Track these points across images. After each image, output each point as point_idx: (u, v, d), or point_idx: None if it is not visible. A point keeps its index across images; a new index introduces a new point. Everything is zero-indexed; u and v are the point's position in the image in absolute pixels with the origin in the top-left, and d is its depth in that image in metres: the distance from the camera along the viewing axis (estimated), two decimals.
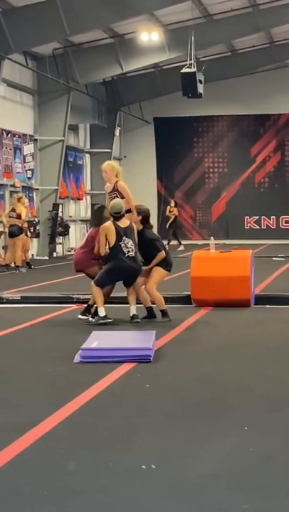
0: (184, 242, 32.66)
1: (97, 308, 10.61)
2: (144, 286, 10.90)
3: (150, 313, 10.87)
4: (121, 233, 10.52)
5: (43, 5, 21.10)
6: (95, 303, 10.72)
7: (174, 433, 5.43)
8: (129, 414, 5.92)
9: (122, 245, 10.50)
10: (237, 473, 4.60)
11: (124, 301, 11.04)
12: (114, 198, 10.88)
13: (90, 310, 10.83)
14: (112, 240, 10.50)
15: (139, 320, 10.56)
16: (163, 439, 5.30)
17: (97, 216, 11.26)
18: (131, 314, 10.62)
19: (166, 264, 11.00)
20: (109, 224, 10.56)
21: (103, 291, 10.56)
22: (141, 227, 10.98)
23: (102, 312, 10.45)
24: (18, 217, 19.81)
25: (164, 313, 10.78)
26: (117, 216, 10.56)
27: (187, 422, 5.70)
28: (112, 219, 10.61)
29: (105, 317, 10.41)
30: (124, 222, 10.58)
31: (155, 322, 10.57)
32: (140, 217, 11.01)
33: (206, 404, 6.22)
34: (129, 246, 10.53)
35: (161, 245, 11.08)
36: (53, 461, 4.84)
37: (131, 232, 10.62)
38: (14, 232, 19.82)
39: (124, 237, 10.51)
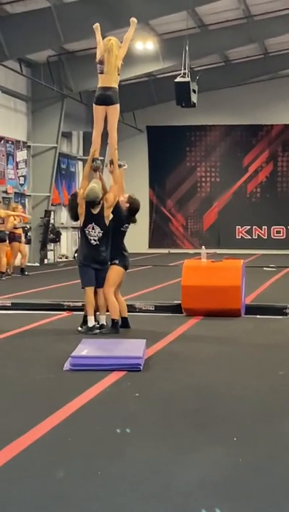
0: (175, 250, 32.74)
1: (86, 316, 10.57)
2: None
3: (114, 326, 10.43)
4: (90, 218, 10.42)
5: (38, 12, 21.17)
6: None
7: (163, 442, 5.43)
8: (118, 422, 5.92)
9: (88, 231, 10.41)
10: (225, 483, 4.61)
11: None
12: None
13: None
14: (82, 210, 10.41)
15: (103, 331, 10.23)
16: (151, 447, 5.31)
17: (73, 207, 10.88)
18: (99, 324, 10.42)
19: (124, 262, 10.59)
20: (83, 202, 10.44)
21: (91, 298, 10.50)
22: (126, 206, 10.64)
23: (90, 322, 10.41)
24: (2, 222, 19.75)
25: (113, 323, 10.30)
26: (91, 204, 10.39)
27: (176, 432, 5.70)
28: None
29: (93, 327, 10.35)
30: (96, 209, 10.42)
31: (106, 332, 10.19)
32: (128, 205, 10.68)
33: (195, 413, 6.22)
34: (94, 234, 10.39)
35: (125, 226, 10.66)
36: (42, 469, 4.83)
37: (101, 219, 10.42)
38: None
39: (92, 223, 10.40)
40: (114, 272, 10.47)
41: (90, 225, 10.43)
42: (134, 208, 10.75)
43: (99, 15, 20.78)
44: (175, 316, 12.03)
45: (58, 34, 21.28)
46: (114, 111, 10.67)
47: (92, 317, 10.41)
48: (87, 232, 10.44)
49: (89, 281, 10.48)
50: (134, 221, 10.80)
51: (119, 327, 10.37)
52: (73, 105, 27.85)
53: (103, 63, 10.63)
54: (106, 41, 10.75)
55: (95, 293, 10.52)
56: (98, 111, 10.72)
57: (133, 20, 11.15)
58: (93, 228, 10.42)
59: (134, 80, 29.25)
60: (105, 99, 10.62)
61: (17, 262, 21.16)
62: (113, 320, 10.36)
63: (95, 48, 11.02)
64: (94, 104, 10.79)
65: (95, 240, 10.42)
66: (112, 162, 10.71)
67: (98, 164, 10.68)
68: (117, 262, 10.52)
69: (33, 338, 10.15)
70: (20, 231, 20.81)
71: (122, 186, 10.85)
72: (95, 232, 10.42)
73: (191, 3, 21.56)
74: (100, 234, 10.41)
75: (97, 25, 11.02)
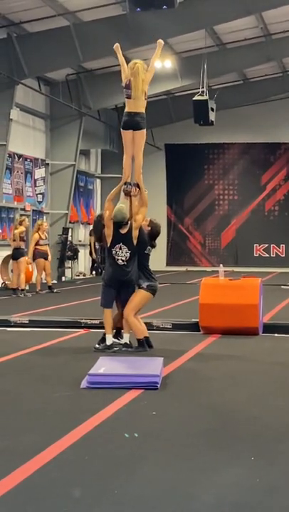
0: (192, 268, 32.70)
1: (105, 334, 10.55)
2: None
3: (141, 345, 10.40)
4: (118, 238, 10.39)
5: (57, 31, 21.31)
6: (118, 328, 10.59)
7: (180, 461, 5.40)
8: (135, 441, 5.90)
9: (115, 251, 10.37)
10: (242, 503, 4.57)
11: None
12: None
13: (120, 333, 10.64)
14: (110, 231, 10.37)
15: (129, 350, 10.21)
16: (168, 467, 5.28)
17: (98, 229, 10.91)
18: (123, 342, 10.41)
19: (152, 287, 10.55)
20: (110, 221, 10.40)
21: (112, 318, 10.50)
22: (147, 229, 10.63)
23: (109, 340, 10.40)
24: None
25: (139, 342, 10.33)
26: (119, 224, 10.40)
27: (193, 451, 5.67)
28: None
29: (111, 345, 10.34)
30: (124, 229, 10.42)
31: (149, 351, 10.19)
32: (149, 229, 10.68)
33: (212, 433, 6.19)
34: (121, 254, 10.36)
35: (149, 249, 10.65)
36: (58, 488, 4.81)
37: (129, 239, 10.41)
38: (13, 256, 19.80)
39: (120, 243, 10.38)
40: (140, 297, 10.44)
41: (117, 245, 10.40)
42: (155, 232, 10.76)
43: (117, 34, 20.91)
44: (192, 334, 12.00)
45: (77, 53, 21.40)
46: (141, 136, 10.65)
47: (111, 335, 10.42)
48: (114, 252, 10.41)
49: (109, 302, 10.52)
50: (154, 246, 10.81)
51: (146, 345, 10.34)
52: (92, 123, 27.97)
53: (130, 88, 10.57)
54: (132, 65, 10.64)
55: (120, 313, 10.52)
56: (126, 135, 10.66)
57: (160, 42, 11.12)
58: (121, 248, 10.40)
59: (152, 98, 29.25)
60: (132, 124, 10.57)
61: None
62: (139, 340, 10.35)
63: (113, 66, 11.08)
64: (121, 129, 10.76)
65: (122, 260, 10.39)
66: (138, 185, 10.68)
67: (130, 188, 10.66)
68: (144, 286, 10.49)
69: (51, 355, 10.16)
70: (45, 248, 20.81)
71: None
72: (122, 252, 10.39)
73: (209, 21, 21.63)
74: (128, 254, 10.39)
75: (117, 46, 10.95)
